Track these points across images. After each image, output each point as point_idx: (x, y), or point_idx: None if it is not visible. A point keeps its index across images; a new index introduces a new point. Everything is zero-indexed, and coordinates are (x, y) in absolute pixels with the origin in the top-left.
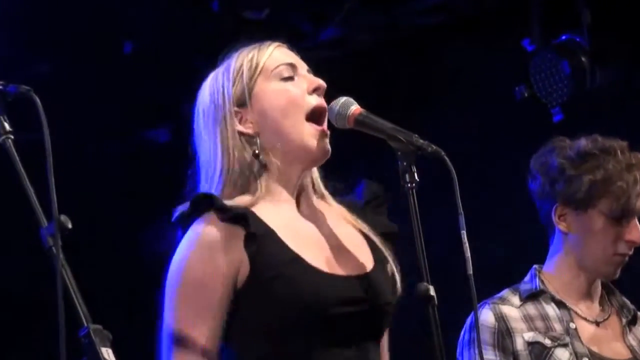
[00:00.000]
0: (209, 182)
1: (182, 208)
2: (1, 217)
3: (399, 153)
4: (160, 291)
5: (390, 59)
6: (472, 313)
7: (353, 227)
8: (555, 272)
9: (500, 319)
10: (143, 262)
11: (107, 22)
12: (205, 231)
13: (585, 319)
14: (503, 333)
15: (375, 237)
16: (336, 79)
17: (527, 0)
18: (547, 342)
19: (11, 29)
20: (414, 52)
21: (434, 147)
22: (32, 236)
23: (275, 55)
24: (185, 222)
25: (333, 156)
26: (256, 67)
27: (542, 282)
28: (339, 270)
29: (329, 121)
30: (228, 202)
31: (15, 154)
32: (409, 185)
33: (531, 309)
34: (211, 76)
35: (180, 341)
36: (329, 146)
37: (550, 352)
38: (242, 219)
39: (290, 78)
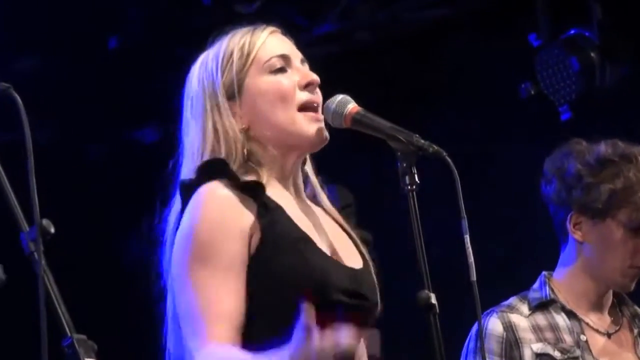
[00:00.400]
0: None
1: (186, 177)
2: None
3: (399, 154)
4: (151, 291)
5: (390, 55)
6: (475, 323)
7: (340, 227)
8: (566, 281)
9: (509, 328)
10: (127, 268)
11: (91, 16)
12: (217, 190)
13: (596, 330)
14: (511, 343)
15: (358, 240)
16: (333, 76)
17: None
18: (557, 354)
19: None
20: (414, 48)
21: (435, 147)
22: (13, 241)
23: (268, 44)
24: (192, 189)
25: (330, 155)
26: (247, 57)
27: (552, 290)
28: (342, 260)
29: (325, 122)
30: None
31: None
32: (409, 187)
33: (540, 318)
34: (200, 60)
35: (206, 310)
36: (326, 132)
37: None
38: (255, 188)
39: (283, 70)
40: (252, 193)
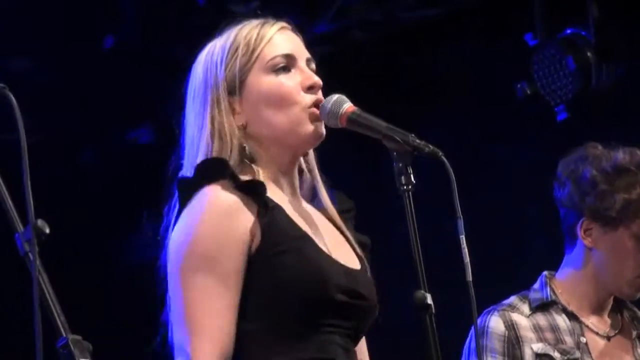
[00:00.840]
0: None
1: (185, 176)
2: None
3: (395, 154)
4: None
5: (385, 54)
6: (478, 320)
7: (338, 230)
8: (569, 283)
9: (510, 327)
10: (125, 269)
11: (87, 15)
12: (220, 196)
13: (596, 333)
14: (513, 342)
15: (355, 244)
16: (328, 76)
17: None
18: (557, 355)
19: None
20: (409, 47)
21: (431, 147)
22: (7, 242)
23: (274, 42)
24: (190, 188)
25: (326, 155)
26: (252, 54)
27: (554, 291)
28: (340, 260)
29: None
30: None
31: None
32: (405, 187)
33: (541, 319)
34: (208, 48)
35: (196, 325)
36: (322, 129)
37: None
38: (257, 187)
39: (286, 69)
40: (253, 193)
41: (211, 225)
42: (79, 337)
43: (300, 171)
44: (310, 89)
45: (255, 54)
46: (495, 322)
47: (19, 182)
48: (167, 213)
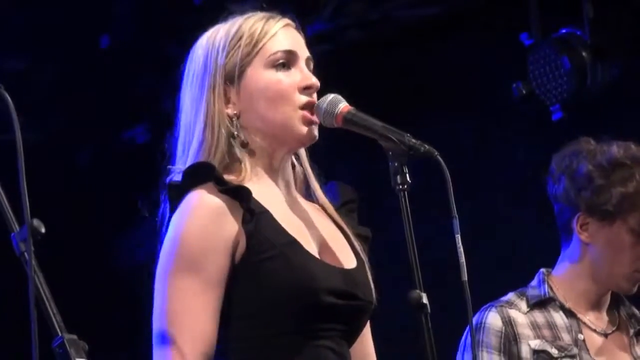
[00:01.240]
0: (186, 153)
1: (173, 179)
2: None
3: (390, 153)
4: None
5: (382, 54)
6: (475, 316)
7: (334, 224)
8: (567, 279)
9: (508, 323)
10: (119, 270)
11: (82, 16)
12: (204, 199)
13: (594, 330)
14: (510, 338)
15: (353, 238)
16: (325, 75)
17: None
18: (554, 351)
19: None
20: (406, 47)
21: (427, 146)
22: (3, 242)
23: (278, 37)
24: (179, 193)
25: (321, 154)
26: (254, 46)
27: (551, 288)
28: (330, 261)
29: None
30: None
31: None
32: (401, 187)
33: (539, 316)
34: (211, 32)
35: (177, 324)
36: (315, 131)
37: None
38: (242, 193)
39: (286, 66)
40: (239, 198)
41: (196, 228)
42: (74, 337)
43: (293, 166)
44: (306, 89)
45: (258, 47)
46: (492, 318)
47: (14, 182)
48: (161, 215)
